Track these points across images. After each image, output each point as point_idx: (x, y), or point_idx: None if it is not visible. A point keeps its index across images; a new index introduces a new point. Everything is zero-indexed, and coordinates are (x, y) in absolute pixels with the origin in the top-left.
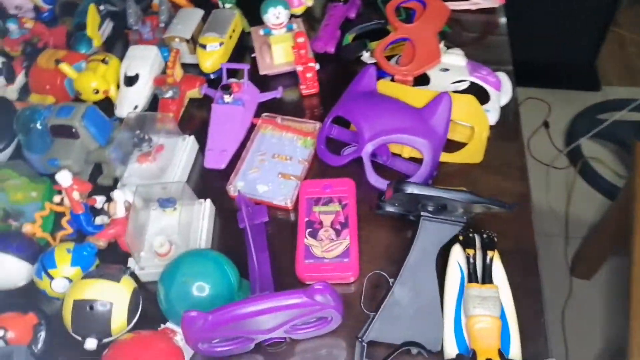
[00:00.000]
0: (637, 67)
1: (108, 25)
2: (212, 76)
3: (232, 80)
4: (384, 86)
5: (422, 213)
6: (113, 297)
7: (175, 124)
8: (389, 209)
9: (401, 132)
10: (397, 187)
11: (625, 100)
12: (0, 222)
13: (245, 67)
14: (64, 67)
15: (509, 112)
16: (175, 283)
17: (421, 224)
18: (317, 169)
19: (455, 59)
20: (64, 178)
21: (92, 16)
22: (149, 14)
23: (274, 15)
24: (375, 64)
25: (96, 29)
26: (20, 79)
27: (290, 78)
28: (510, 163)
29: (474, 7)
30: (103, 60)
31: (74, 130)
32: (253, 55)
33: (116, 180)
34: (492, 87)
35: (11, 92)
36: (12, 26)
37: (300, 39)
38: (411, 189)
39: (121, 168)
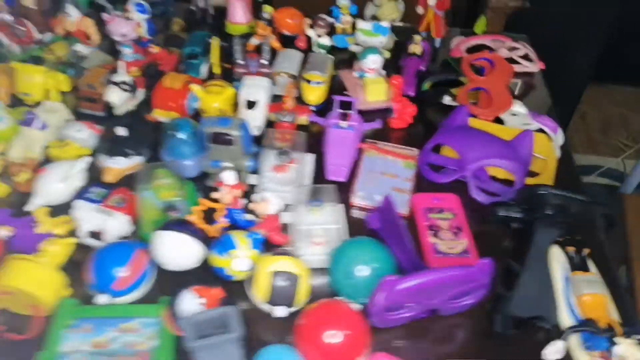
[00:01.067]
0: (597, 138)
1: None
2: (314, 108)
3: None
4: (475, 123)
5: (536, 216)
6: (299, 271)
7: (304, 142)
8: (505, 213)
9: (499, 158)
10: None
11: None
12: (162, 214)
13: (354, 100)
14: (195, 88)
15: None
16: (352, 264)
17: (538, 225)
18: (418, 185)
19: (519, 107)
20: (229, 177)
21: (215, 49)
22: None
23: (372, 62)
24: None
25: (218, 60)
26: (139, 95)
27: (377, 113)
28: None
29: (519, 70)
30: (221, 86)
31: (231, 137)
32: (346, 93)
33: None
34: (551, 131)
35: (132, 106)
36: (126, 50)
37: (397, 81)
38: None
39: (251, 176)
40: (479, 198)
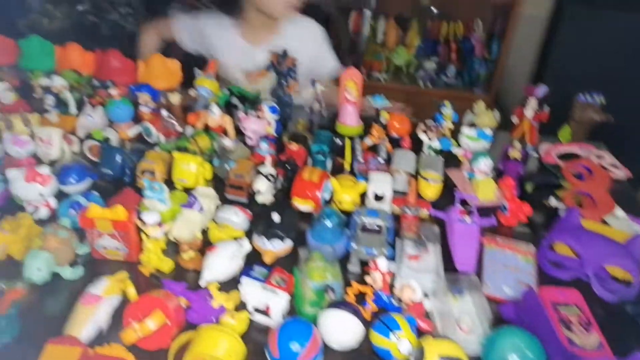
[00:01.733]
0: None
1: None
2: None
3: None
4: (588, 224)
5: None
6: (463, 357)
7: (437, 233)
8: (634, 311)
9: (619, 257)
10: None
11: None
12: (317, 294)
13: (474, 197)
14: (333, 181)
15: None
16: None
17: None
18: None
19: (618, 210)
20: (383, 263)
21: (348, 148)
22: None
23: (484, 165)
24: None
25: (350, 157)
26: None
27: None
28: None
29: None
30: (352, 180)
31: (380, 227)
32: (457, 192)
33: None
34: None
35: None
36: (263, 145)
37: (509, 183)
38: None
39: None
40: (604, 296)
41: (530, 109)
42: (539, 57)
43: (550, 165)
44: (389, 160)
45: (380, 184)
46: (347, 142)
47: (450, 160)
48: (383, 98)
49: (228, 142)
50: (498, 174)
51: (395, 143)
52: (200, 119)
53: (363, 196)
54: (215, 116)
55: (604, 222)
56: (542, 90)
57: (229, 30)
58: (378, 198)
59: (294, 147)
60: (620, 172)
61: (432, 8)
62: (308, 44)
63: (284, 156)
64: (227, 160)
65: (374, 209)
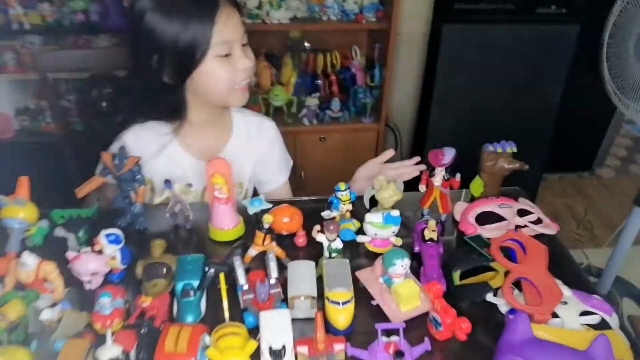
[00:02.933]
0: None
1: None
2: (342, 333)
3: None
4: (539, 330)
5: None
6: None
7: None
8: None
9: None
10: None
11: None
12: None
13: (400, 326)
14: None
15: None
16: None
17: None
18: None
19: (564, 289)
20: None
21: (223, 286)
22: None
23: (402, 267)
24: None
25: (226, 299)
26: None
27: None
28: None
29: (532, 233)
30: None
31: None
32: (374, 302)
33: None
34: (606, 314)
35: None
36: (104, 300)
37: (436, 288)
38: None
39: None
40: None
41: (438, 178)
42: (423, 77)
43: (472, 239)
44: (281, 268)
45: (276, 330)
46: (222, 277)
47: (352, 249)
48: (261, 200)
49: (48, 314)
50: (412, 255)
51: (290, 242)
52: (10, 273)
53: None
54: (29, 268)
55: (554, 314)
56: (449, 156)
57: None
58: (276, 354)
59: (144, 301)
60: (550, 228)
61: (306, 43)
62: (260, 149)
63: (134, 316)
64: (48, 341)
65: None
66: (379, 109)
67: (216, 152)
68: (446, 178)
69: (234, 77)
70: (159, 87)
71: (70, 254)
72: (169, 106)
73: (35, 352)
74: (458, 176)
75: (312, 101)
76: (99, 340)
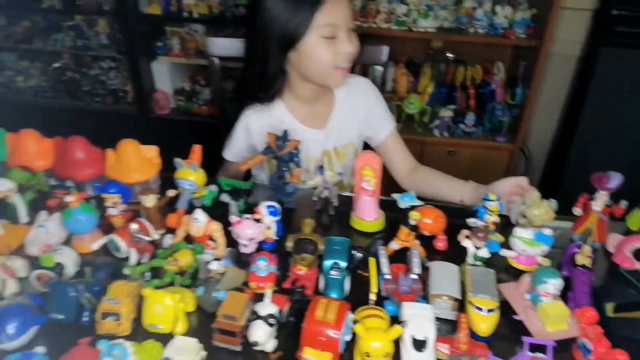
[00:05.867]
0: None
1: None
2: (482, 340)
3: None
4: None
5: None
6: None
7: None
8: None
9: None
10: None
11: None
12: None
13: (551, 343)
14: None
15: None
16: None
17: None
18: None
19: None
20: None
21: (373, 271)
22: None
23: (554, 287)
24: None
25: (376, 281)
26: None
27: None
28: None
29: None
30: (379, 316)
31: None
32: (517, 317)
33: None
34: None
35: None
36: (261, 263)
37: (589, 314)
38: None
39: None
40: None
41: (600, 203)
42: (570, 101)
43: (629, 272)
44: (423, 268)
45: (420, 323)
46: (372, 263)
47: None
48: (412, 196)
49: (215, 265)
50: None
51: (428, 243)
52: (182, 226)
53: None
54: (200, 224)
55: None
56: (615, 181)
57: (281, 117)
58: (418, 344)
59: (301, 269)
60: None
61: (448, 54)
62: (360, 105)
63: (289, 282)
64: (215, 289)
65: None
66: (515, 129)
67: (321, 121)
68: (608, 204)
69: (335, 59)
70: (265, 56)
71: (233, 218)
72: (272, 84)
73: (201, 297)
74: (624, 203)
75: (447, 113)
76: (255, 297)
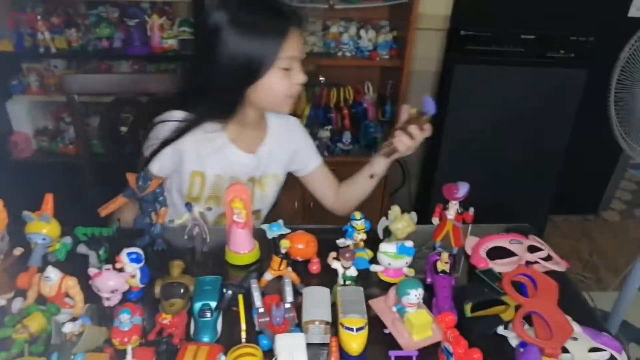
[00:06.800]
0: None
1: None
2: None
3: None
4: None
5: None
6: None
7: None
8: None
9: None
10: None
11: None
12: None
13: (413, 354)
14: None
15: None
16: None
17: None
18: None
19: (573, 324)
20: None
21: (242, 309)
22: None
23: (416, 297)
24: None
25: (244, 319)
26: None
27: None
28: None
29: (543, 269)
30: (253, 355)
31: None
32: (387, 331)
33: None
34: (616, 351)
35: None
36: (124, 317)
37: (448, 319)
38: None
39: None
40: None
41: (452, 212)
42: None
43: (483, 272)
44: (296, 294)
45: (292, 353)
46: (240, 299)
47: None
48: (280, 225)
49: (70, 327)
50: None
51: (304, 268)
52: (32, 287)
53: None
54: (52, 282)
55: (564, 349)
56: (463, 190)
57: (216, 139)
58: None
59: (165, 318)
60: (560, 265)
61: (320, 77)
62: (290, 141)
63: (153, 333)
64: (71, 353)
65: None
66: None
67: (253, 146)
68: (459, 212)
69: (290, 89)
70: (221, 90)
71: (92, 271)
72: (227, 107)
73: None
74: (472, 210)
75: (324, 133)
76: (118, 355)
